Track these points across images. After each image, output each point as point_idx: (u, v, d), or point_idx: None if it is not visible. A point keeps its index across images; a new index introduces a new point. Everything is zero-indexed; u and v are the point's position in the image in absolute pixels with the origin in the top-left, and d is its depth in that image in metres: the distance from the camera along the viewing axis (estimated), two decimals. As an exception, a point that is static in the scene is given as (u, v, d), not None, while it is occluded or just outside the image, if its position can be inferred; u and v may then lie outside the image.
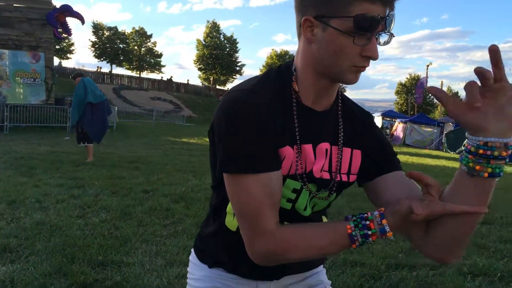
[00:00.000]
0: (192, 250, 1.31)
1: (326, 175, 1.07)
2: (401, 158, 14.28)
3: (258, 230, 0.95)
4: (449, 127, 24.64)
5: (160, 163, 8.65)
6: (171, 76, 46.11)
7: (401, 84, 60.54)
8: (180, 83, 45.64)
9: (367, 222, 0.90)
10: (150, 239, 3.71)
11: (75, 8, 18.76)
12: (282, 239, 0.95)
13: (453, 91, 61.35)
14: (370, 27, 0.89)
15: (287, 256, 0.96)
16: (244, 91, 0.98)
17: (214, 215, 1.19)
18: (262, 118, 0.94)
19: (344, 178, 1.09)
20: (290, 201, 1.06)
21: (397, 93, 60.25)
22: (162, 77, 46.12)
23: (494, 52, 0.76)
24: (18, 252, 3.26)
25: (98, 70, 40.71)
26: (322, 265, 1.29)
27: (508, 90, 0.77)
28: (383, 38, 0.95)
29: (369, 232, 0.89)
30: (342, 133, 1.09)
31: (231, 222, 1.12)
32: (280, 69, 1.08)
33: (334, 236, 0.92)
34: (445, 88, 53.75)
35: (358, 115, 1.13)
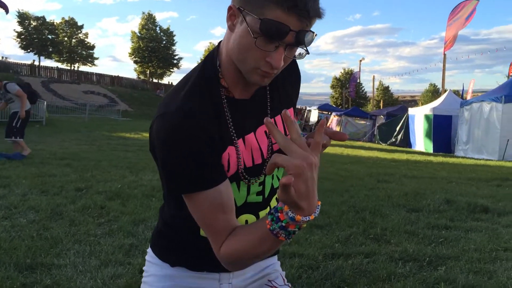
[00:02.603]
0: (149, 249, 1.28)
1: (259, 160, 1.10)
2: (337, 150, 14.77)
3: (214, 245, 1.01)
4: (381, 119, 25.76)
5: (94, 159, 8.33)
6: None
7: (336, 78, 62.41)
8: (114, 76, 44.12)
9: (278, 214, 0.85)
10: (83, 239, 3.55)
11: (-2, -5, 17.50)
12: (227, 254, 0.99)
13: (384, 85, 64.22)
14: (274, 35, 0.88)
15: (240, 262, 1.01)
16: (175, 114, 0.97)
17: (182, 227, 1.17)
18: (199, 139, 0.97)
19: (276, 147, 1.11)
20: (260, 194, 1.13)
21: (333, 87, 62.07)
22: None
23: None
24: None
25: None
26: (276, 256, 1.36)
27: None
28: (293, 51, 0.95)
29: (283, 224, 0.84)
30: (269, 108, 1.11)
31: None
32: (205, 66, 1.06)
33: (261, 233, 0.90)
34: (376, 83, 56.04)
35: (280, 77, 1.09)
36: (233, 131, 1.04)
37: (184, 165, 0.96)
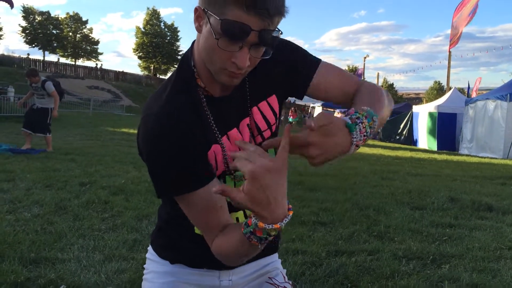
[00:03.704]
0: (150, 247, 1.30)
1: None
2: (340, 147, 14.72)
3: (208, 241, 1.02)
4: (385, 117, 25.66)
5: (98, 154, 8.34)
6: (102, 64, 44.49)
7: (340, 75, 62.13)
8: (118, 71, 44.14)
9: (248, 219, 0.85)
10: (87, 233, 3.56)
11: (3, -10, 17.50)
12: (217, 251, 1.00)
13: (388, 83, 64.01)
14: (235, 35, 0.87)
15: (230, 260, 1.00)
16: (157, 116, 0.99)
17: (177, 224, 1.19)
18: (181, 142, 0.97)
19: (258, 139, 1.11)
20: None
21: (337, 84, 61.81)
22: (101, 65, 44.24)
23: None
24: None
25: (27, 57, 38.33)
26: (277, 254, 1.36)
27: None
28: (259, 51, 0.92)
29: (251, 229, 0.84)
30: (248, 98, 1.10)
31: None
32: (181, 67, 1.07)
33: (239, 236, 0.89)
34: (381, 80, 55.95)
35: (259, 65, 1.02)
36: (216, 130, 1.05)
37: (170, 169, 0.97)
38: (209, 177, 1.00)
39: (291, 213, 0.84)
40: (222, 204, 1.01)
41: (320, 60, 1.14)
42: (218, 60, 0.93)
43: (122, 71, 44.51)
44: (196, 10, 0.95)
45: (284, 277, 1.32)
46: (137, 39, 49.97)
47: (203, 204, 0.98)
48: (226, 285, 1.22)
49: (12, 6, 17.59)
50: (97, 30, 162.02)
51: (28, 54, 39.46)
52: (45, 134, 8.38)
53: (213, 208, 0.99)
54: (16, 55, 39.02)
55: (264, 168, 0.78)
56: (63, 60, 46.04)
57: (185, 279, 1.20)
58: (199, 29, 0.96)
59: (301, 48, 1.14)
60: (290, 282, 1.32)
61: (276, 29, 0.90)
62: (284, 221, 0.82)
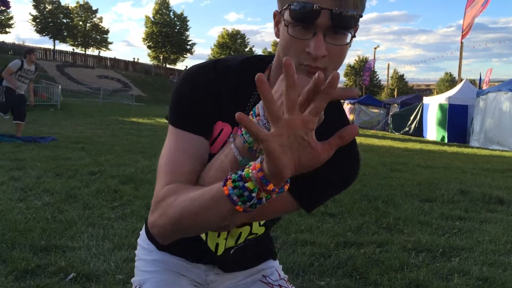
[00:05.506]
0: (141, 232, 1.29)
1: None
2: (350, 138, 14.62)
3: (158, 184, 0.97)
4: (395, 108, 25.49)
5: (107, 143, 8.38)
6: (138, 58, 44.62)
7: (350, 66, 61.83)
8: (128, 61, 44.22)
9: (246, 184, 0.72)
10: (97, 222, 3.58)
11: (13, -22, 17.52)
12: (166, 198, 0.92)
13: (399, 74, 63.48)
14: (303, 16, 0.81)
15: (177, 223, 0.88)
16: (210, 62, 1.03)
17: None
18: (210, 88, 0.98)
19: None
20: None
21: (346, 75, 61.52)
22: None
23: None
24: (-49, 238, 3.05)
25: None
26: (277, 261, 1.34)
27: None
28: (337, 38, 0.84)
29: (247, 193, 0.72)
30: None
31: None
32: (260, 56, 1.08)
33: (215, 191, 0.78)
34: (391, 71, 55.51)
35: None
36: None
37: (183, 100, 0.99)
38: (205, 131, 0.98)
39: (287, 187, 0.74)
40: (201, 166, 0.95)
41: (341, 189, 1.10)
42: (294, 54, 0.84)
43: (131, 61, 44.56)
44: (274, 15, 0.94)
45: (279, 274, 1.29)
46: (146, 29, 49.99)
47: (185, 147, 0.96)
48: (213, 280, 1.21)
49: (8, 7, 17.29)
50: (107, 19, 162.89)
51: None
52: (24, 121, 8.23)
53: (192, 156, 0.95)
54: (28, 43, 39.19)
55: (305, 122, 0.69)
56: (73, 49, 46.21)
57: (174, 267, 1.19)
58: (277, 34, 0.93)
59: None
60: (286, 278, 1.30)
61: (352, 11, 0.81)
62: (281, 187, 0.72)
